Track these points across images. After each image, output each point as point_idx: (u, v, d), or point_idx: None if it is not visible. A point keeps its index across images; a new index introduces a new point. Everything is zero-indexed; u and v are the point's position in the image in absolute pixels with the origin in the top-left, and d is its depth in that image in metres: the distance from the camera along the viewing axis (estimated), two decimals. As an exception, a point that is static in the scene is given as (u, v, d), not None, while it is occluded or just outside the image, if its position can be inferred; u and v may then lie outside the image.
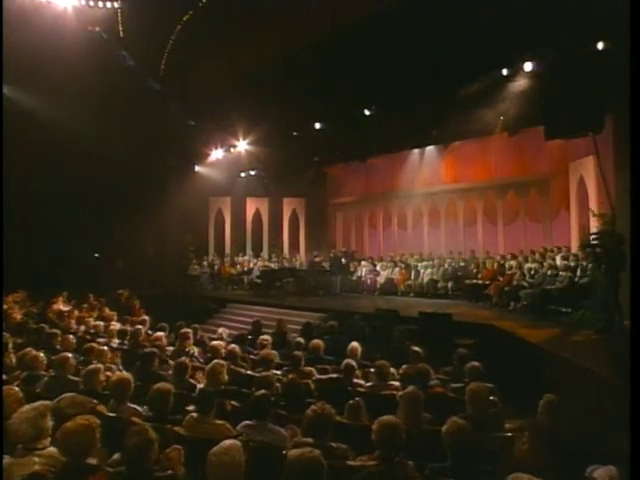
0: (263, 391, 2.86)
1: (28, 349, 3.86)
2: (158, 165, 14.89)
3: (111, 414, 2.85)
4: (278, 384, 3.69)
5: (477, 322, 7.37)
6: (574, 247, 10.63)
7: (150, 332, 6.50)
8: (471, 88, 10.40)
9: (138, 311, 9.55)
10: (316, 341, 5.12)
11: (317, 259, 14.06)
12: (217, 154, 15.91)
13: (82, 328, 6.62)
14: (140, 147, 13.85)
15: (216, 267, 15.08)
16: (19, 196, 12.36)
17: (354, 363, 4.25)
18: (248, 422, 2.72)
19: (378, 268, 13.41)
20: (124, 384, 2.99)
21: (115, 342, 5.82)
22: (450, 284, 11.52)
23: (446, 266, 12.14)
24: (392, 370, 4.68)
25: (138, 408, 2.98)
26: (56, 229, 13.25)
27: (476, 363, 4.01)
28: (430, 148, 14.83)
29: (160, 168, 14.90)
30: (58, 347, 4.87)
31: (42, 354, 3.72)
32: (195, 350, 5.10)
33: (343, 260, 12.74)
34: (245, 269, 14.78)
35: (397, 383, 4.17)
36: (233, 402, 3.28)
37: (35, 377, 3.50)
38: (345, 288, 12.97)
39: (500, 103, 10.76)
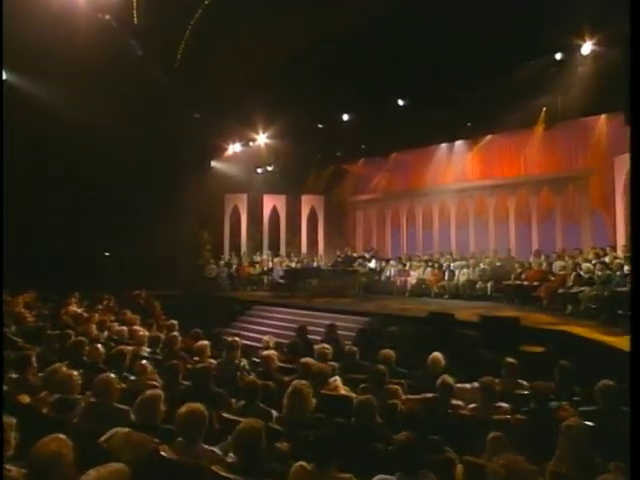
0: (407, 433, 2.08)
1: (57, 365, 3.08)
2: (172, 160, 14.14)
3: (181, 459, 2.08)
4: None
5: (545, 327, 6.58)
6: (620, 246, 9.94)
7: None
8: (517, 76, 9.60)
9: (159, 313, 8.80)
10: (387, 351, 4.34)
11: (339, 258, 13.33)
12: (234, 148, 15.17)
13: (105, 334, 5.85)
14: (153, 141, 13.12)
15: (234, 267, 14.32)
16: (25, 192, 11.63)
17: (451, 380, 3.47)
18: (385, 477, 1.95)
19: (407, 268, 12.63)
20: (197, 417, 2.20)
21: (145, 351, 5.05)
22: (489, 285, 10.74)
23: (482, 266, 11.37)
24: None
25: (216, 450, 2.21)
26: (64, 227, 12.49)
27: (610, 382, 3.22)
28: (459, 143, 14.08)
29: (174, 163, 14.15)
30: (85, 359, 4.10)
31: (76, 373, 2.93)
32: (245, 362, 4.32)
33: (374, 261, 11.98)
34: (265, 269, 14.04)
35: (505, 405, 3.40)
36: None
37: (68, 402, 2.71)
38: (372, 289, 12.24)
39: (547, 92, 9.98)
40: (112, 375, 2.80)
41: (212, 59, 13.15)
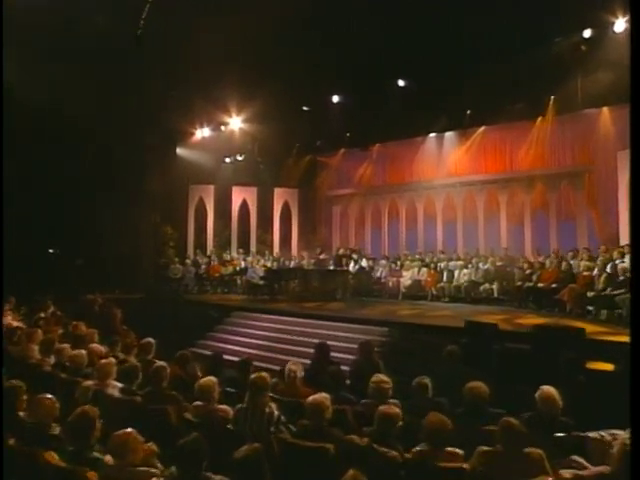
0: None
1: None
2: (132, 145, 12.25)
3: None
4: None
5: (605, 339, 5.55)
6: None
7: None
8: (535, 56, 8.65)
9: (119, 325, 7.08)
10: (477, 384, 3.03)
11: (322, 257, 11.97)
12: (203, 133, 13.46)
13: (52, 359, 4.21)
14: (111, 121, 11.23)
15: (203, 266, 12.65)
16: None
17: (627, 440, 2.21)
18: None
19: (398, 267, 11.51)
20: None
21: (115, 388, 3.48)
22: (495, 287, 9.82)
23: (482, 266, 10.46)
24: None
25: None
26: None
27: None
28: (449, 135, 13.19)
29: (135, 148, 12.26)
30: (22, 415, 2.49)
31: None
32: (277, 412, 2.85)
33: (365, 261, 10.77)
34: (238, 268, 12.47)
35: None
36: None
37: None
38: (361, 292, 11.02)
39: (560, 78, 9.13)
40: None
41: (181, 27, 11.40)
